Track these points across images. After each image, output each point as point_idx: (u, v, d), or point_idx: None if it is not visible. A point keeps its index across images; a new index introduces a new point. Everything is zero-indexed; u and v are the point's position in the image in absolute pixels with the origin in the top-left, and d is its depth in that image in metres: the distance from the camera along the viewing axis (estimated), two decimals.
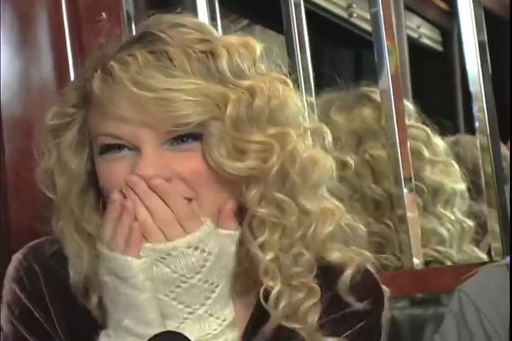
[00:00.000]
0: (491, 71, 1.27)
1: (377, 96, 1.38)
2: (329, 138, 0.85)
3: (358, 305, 0.83)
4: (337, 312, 0.83)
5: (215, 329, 0.76)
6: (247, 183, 0.77)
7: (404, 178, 1.24)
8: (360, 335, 0.85)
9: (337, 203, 0.83)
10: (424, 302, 1.26)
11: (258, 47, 0.81)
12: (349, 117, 1.38)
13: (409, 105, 1.41)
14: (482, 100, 1.24)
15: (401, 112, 1.26)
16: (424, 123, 1.41)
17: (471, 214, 1.41)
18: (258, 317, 0.82)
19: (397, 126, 1.25)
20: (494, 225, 1.32)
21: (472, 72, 1.28)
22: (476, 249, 1.43)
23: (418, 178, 1.32)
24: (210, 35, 0.80)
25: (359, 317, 0.84)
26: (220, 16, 1.31)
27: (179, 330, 0.75)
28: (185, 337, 0.74)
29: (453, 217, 1.37)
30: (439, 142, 1.41)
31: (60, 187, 0.82)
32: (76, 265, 0.83)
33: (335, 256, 0.82)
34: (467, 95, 1.33)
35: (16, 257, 0.88)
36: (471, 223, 1.39)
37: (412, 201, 1.23)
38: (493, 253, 1.33)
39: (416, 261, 1.22)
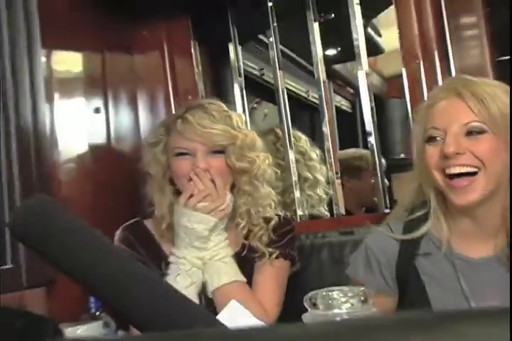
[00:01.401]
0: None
1: (278, 131, 2.02)
2: (270, 159, 1.48)
3: (280, 236, 1.46)
4: (270, 238, 1.44)
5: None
6: (240, 174, 1.42)
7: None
8: (287, 244, 1.46)
9: (271, 189, 1.48)
10: (346, 233, 1.67)
11: (243, 118, 1.48)
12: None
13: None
14: (372, 134, 1.70)
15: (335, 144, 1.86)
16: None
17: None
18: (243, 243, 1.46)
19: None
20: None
21: (367, 121, 1.73)
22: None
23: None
24: (227, 110, 1.45)
25: (282, 238, 1.46)
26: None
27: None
28: None
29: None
30: (313, 155, 2.10)
31: (154, 171, 1.44)
32: (162, 209, 1.41)
33: (268, 213, 1.46)
34: (364, 133, 1.84)
35: (117, 234, 1.44)
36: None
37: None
38: None
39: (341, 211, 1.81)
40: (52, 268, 1.20)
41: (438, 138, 1.15)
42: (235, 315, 1.16)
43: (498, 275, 1.16)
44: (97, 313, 1.30)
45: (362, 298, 0.63)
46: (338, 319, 0.60)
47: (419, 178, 1.24)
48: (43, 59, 1.46)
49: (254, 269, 1.44)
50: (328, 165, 1.80)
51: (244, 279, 1.39)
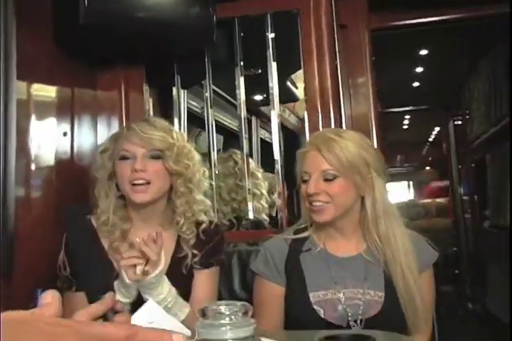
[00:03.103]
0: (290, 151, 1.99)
1: (235, 157, 2.32)
2: (206, 172, 1.57)
3: (208, 237, 1.51)
4: (199, 241, 1.49)
5: None
6: (176, 177, 1.46)
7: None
8: (215, 248, 1.53)
9: (205, 198, 1.54)
10: (252, 244, 1.90)
11: (184, 136, 1.53)
12: (224, 166, 2.33)
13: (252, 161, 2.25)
14: (278, 161, 2.01)
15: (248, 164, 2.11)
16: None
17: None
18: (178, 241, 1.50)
19: (247, 171, 2.10)
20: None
21: (275, 150, 2.01)
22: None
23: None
24: (170, 126, 1.51)
25: (209, 241, 1.51)
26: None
27: None
28: None
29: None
30: (258, 174, 2.32)
31: (100, 174, 1.48)
32: (103, 206, 1.46)
33: (200, 217, 1.52)
34: None
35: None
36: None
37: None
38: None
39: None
40: (9, 262, 1.43)
41: (307, 179, 1.42)
42: (151, 315, 1.16)
43: (358, 269, 1.43)
44: None
45: (243, 311, 0.67)
46: (223, 328, 0.64)
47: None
48: (21, 89, 1.55)
49: (188, 271, 1.48)
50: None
51: (187, 306, 1.39)
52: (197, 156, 1.53)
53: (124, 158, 1.45)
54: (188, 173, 1.48)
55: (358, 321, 1.37)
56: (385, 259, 1.41)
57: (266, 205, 2.33)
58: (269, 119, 2.11)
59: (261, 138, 2.91)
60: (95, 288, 1.42)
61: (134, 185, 1.43)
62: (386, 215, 1.42)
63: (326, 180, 1.39)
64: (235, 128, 2.72)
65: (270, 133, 2.11)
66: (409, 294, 1.38)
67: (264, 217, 2.33)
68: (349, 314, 1.38)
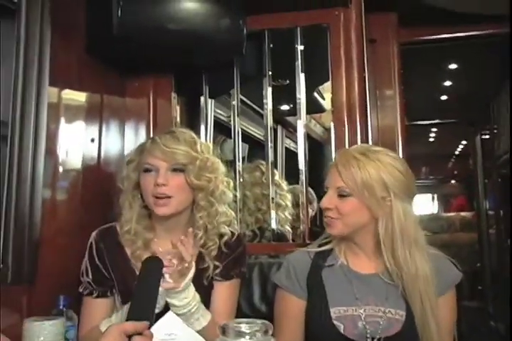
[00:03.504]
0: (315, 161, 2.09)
1: (262, 167, 2.25)
2: (231, 183, 1.56)
3: (230, 249, 1.50)
4: (220, 253, 1.49)
5: None
6: (198, 191, 1.45)
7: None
8: (236, 260, 1.52)
9: (229, 209, 1.53)
10: (273, 257, 1.85)
11: (210, 147, 1.52)
12: (251, 176, 2.32)
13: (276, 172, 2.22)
14: (303, 171, 2.01)
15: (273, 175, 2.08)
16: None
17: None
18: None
19: (271, 180, 2.07)
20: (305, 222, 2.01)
21: (300, 160, 2.02)
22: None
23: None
24: (196, 138, 1.50)
25: (231, 254, 1.51)
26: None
27: None
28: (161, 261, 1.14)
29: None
30: (284, 186, 2.28)
31: (125, 185, 1.49)
32: (127, 216, 1.47)
33: (223, 230, 1.51)
34: None
35: (92, 235, 1.51)
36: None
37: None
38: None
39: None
40: (33, 269, 1.45)
41: (326, 192, 1.44)
42: (171, 326, 1.23)
43: (379, 287, 1.42)
44: (64, 309, 1.36)
45: (264, 330, 0.68)
46: None
47: None
48: (53, 95, 1.57)
49: (208, 282, 1.49)
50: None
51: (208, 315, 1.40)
52: (221, 168, 1.53)
53: (147, 170, 1.46)
54: (209, 187, 1.47)
55: (376, 339, 1.37)
56: (402, 283, 1.39)
57: (289, 217, 2.31)
58: (294, 129, 2.10)
59: (286, 148, 2.90)
60: (118, 296, 1.48)
61: (156, 198, 1.44)
62: (404, 240, 1.39)
63: (340, 196, 1.40)
64: (261, 137, 2.73)
65: (295, 142, 2.09)
66: (425, 321, 1.37)
67: (288, 228, 2.30)
68: (368, 331, 1.37)
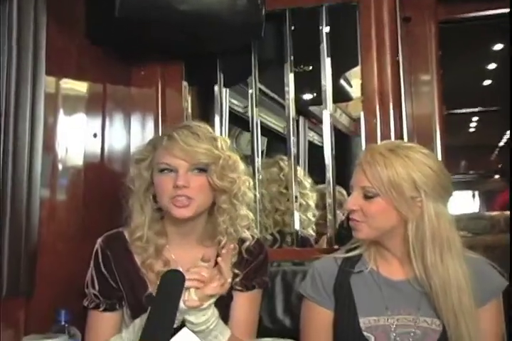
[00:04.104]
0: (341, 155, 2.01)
1: (281, 163, 2.25)
2: (251, 182, 1.54)
3: (251, 256, 1.50)
4: (241, 259, 1.48)
5: None
6: (220, 193, 1.44)
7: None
8: (258, 268, 1.52)
9: (249, 212, 1.51)
10: (297, 264, 1.86)
11: (228, 142, 1.49)
12: (267, 172, 2.26)
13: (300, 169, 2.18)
14: (329, 168, 1.97)
15: (296, 171, 2.03)
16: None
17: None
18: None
19: (294, 177, 2.02)
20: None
21: (326, 155, 1.99)
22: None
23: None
24: (213, 133, 1.49)
25: (252, 261, 1.50)
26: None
27: None
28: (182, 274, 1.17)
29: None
30: (306, 184, 2.25)
31: (136, 186, 1.47)
32: (138, 220, 1.45)
33: (244, 234, 1.50)
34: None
35: (98, 242, 1.50)
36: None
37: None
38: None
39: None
40: (31, 278, 1.44)
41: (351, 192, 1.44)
42: None
43: (411, 294, 1.42)
44: (66, 325, 1.33)
45: None
46: None
47: None
48: (50, 84, 1.55)
49: (227, 293, 1.43)
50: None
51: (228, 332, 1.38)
52: (241, 166, 1.52)
53: (164, 170, 1.43)
54: (233, 189, 1.46)
55: None
56: (434, 291, 1.38)
57: (313, 219, 2.29)
58: (318, 120, 2.08)
59: (309, 141, 2.87)
60: (127, 309, 1.47)
61: (175, 198, 1.42)
62: (436, 244, 1.37)
63: (366, 197, 1.40)
64: (280, 130, 2.70)
65: (318, 135, 2.10)
66: (459, 336, 1.35)
67: (311, 232, 2.29)
68: None
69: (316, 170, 2.35)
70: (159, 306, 1.09)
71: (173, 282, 1.14)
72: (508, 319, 1.48)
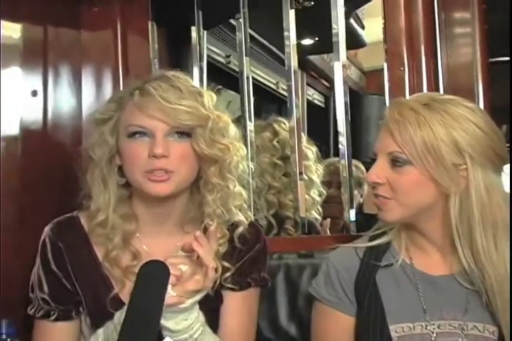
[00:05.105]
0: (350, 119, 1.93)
1: (276, 126, 2.24)
2: (244, 151, 1.48)
3: (245, 245, 1.45)
4: (232, 249, 1.43)
5: None
6: (208, 164, 1.38)
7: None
8: (254, 261, 1.46)
9: (242, 189, 1.46)
10: (305, 256, 1.80)
11: (214, 99, 1.42)
12: (257, 137, 2.14)
13: (304, 136, 2.14)
14: (344, 135, 1.89)
15: (300, 138, 1.98)
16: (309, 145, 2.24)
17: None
18: None
19: (297, 144, 1.94)
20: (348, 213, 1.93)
21: (340, 119, 1.92)
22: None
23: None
24: (195, 85, 1.43)
25: (247, 252, 1.45)
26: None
27: None
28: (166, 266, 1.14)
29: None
30: (309, 153, 2.21)
31: (98, 154, 1.39)
32: (100, 200, 1.39)
33: (237, 217, 1.45)
34: (336, 133, 1.97)
35: (45, 231, 1.44)
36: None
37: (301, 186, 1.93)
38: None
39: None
40: None
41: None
42: None
43: (457, 294, 1.37)
44: (8, 340, 1.26)
45: None
46: None
47: None
48: None
49: (216, 292, 1.42)
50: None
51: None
52: (233, 129, 1.45)
53: (136, 134, 1.35)
54: (225, 158, 1.40)
55: None
56: (486, 288, 1.34)
57: (318, 199, 2.24)
58: (319, 73, 1.97)
59: (307, 100, 2.87)
60: (87, 317, 1.41)
61: (150, 172, 1.34)
62: (488, 225, 1.32)
63: (395, 165, 1.34)
64: (272, 86, 2.59)
65: (320, 93, 1.96)
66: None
67: (316, 215, 2.24)
68: None
69: (316, 134, 2.26)
70: (137, 311, 1.05)
71: (155, 278, 1.11)
72: None
